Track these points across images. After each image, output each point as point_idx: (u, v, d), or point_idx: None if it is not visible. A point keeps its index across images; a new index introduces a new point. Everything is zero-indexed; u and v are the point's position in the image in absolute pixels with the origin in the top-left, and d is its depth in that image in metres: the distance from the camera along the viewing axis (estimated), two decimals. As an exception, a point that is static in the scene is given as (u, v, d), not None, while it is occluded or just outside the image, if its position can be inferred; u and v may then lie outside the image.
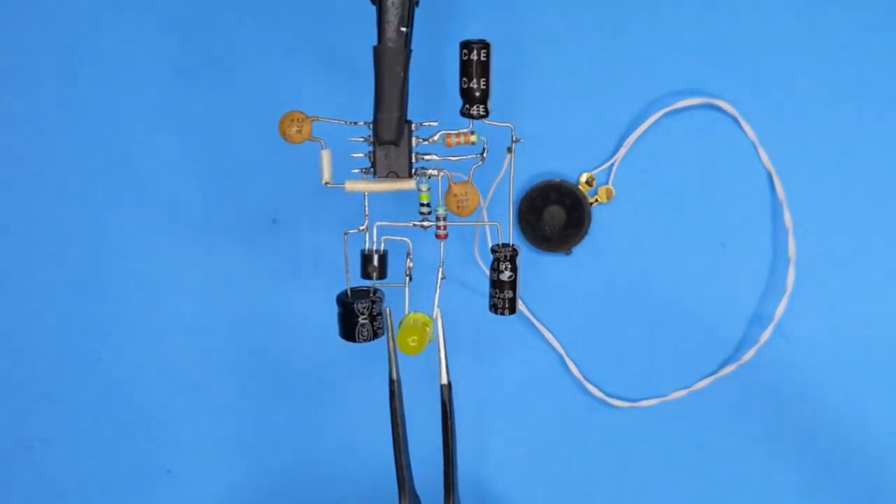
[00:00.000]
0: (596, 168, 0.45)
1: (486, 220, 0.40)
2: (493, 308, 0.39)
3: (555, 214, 0.45)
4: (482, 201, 0.38)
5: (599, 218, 0.45)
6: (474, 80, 0.35)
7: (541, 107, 0.44)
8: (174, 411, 0.47)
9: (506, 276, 0.38)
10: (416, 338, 0.37)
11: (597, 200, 0.45)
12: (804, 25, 0.44)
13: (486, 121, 0.36)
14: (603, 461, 0.46)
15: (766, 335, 0.44)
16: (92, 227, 0.45)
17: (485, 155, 0.37)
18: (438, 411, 0.38)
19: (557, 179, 0.45)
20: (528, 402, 0.46)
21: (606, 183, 0.45)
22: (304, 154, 0.38)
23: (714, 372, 0.45)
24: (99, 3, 0.45)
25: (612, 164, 0.45)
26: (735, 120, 0.44)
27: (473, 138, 0.36)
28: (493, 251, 0.38)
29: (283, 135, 0.36)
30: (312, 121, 0.36)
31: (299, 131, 0.36)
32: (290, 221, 0.40)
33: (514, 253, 0.38)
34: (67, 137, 0.45)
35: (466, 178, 0.37)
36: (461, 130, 0.36)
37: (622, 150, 0.44)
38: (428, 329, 0.38)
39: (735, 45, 0.44)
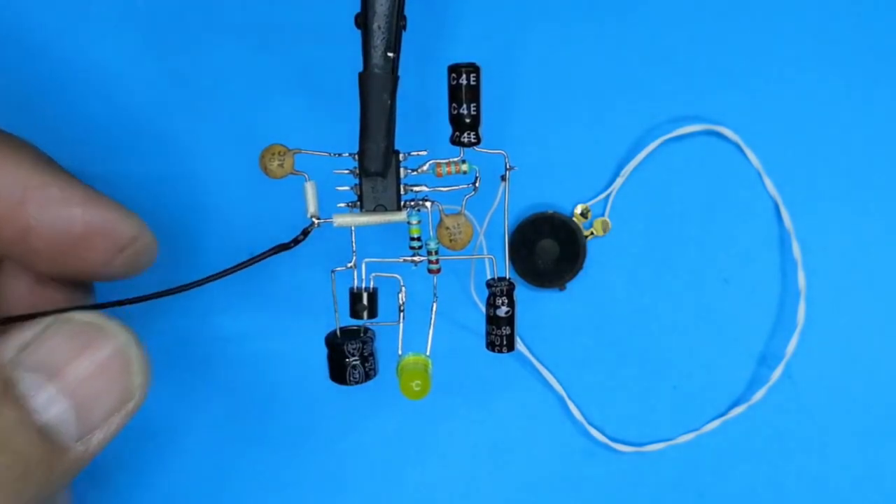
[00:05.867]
0: (591, 199, 0.43)
1: (480, 253, 0.38)
2: (490, 346, 0.37)
3: (548, 248, 0.43)
4: (476, 233, 0.36)
5: (595, 252, 0.43)
6: (464, 106, 0.34)
7: (532, 134, 0.43)
8: (146, 457, 0.44)
9: (502, 311, 0.36)
10: (419, 382, 0.36)
11: (592, 233, 0.43)
12: (810, 47, 0.42)
13: (477, 148, 0.34)
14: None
15: (776, 374, 0.42)
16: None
17: (477, 184, 0.35)
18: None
19: (550, 211, 0.43)
20: (527, 447, 0.44)
21: (602, 215, 0.43)
22: (285, 188, 0.36)
23: (722, 414, 0.43)
24: (70, 26, 0.43)
25: (609, 195, 0.43)
26: (738, 147, 0.42)
27: (465, 167, 0.35)
28: (489, 286, 0.36)
29: (264, 169, 0.35)
30: (294, 153, 0.35)
31: (281, 165, 0.35)
32: (272, 259, 0.39)
33: (511, 287, 0.36)
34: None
35: (459, 210, 0.35)
36: (452, 159, 0.35)
37: (619, 180, 0.43)
38: (429, 371, 0.36)
39: (738, 69, 0.43)
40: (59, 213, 0.30)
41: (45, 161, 0.32)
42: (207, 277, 0.34)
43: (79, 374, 0.28)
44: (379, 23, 0.33)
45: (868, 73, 0.42)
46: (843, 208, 0.43)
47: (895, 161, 0.43)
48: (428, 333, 0.37)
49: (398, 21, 0.33)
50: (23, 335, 0.28)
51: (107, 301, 0.33)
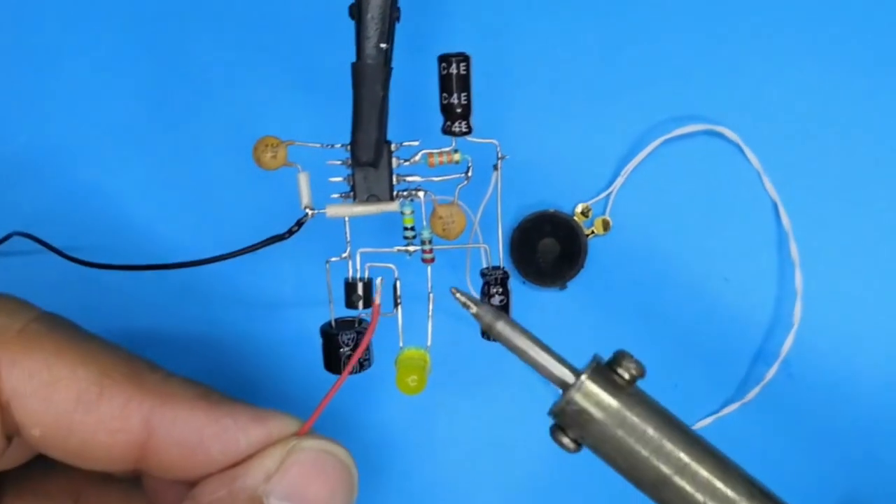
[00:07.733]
0: (592, 198, 0.43)
1: (474, 242, 0.38)
2: (485, 335, 0.37)
3: (549, 247, 0.43)
4: (470, 223, 0.36)
5: (596, 251, 0.43)
6: (455, 96, 0.34)
7: (533, 133, 0.43)
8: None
9: (497, 300, 0.36)
10: (416, 378, 0.36)
11: (593, 232, 0.43)
12: (809, 47, 0.42)
13: (469, 138, 0.35)
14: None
15: (771, 372, 0.42)
16: (60, 260, 0.43)
17: (469, 174, 0.36)
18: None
19: (551, 210, 0.43)
20: (521, 441, 0.44)
21: (603, 214, 0.43)
22: (280, 179, 0.36)
23: (716, 411, 0.43)
24: (65, 24, 0.44)
25: (610, 194, 0.43)
26: (738, 147, 0.42)
27: (457, 157, 0.35)
28: (483, 275, 0.37)
29: (258, 161, 0.35)
30: (287, 145, 0.35)
31: (274, 157, 0.35)
32: (268, 250, 0.39)
33: (505, 276, 0.36)
34: (31, 165, 0.44)
35: (452, 200, 0.35)
36: (444, 149, 0.35)
37: (620, 179, 0.43)
38: (427, 365, 0.36)
39: (738, 69, 0.42)
40: (231, 446, 0.31)
41: (206, 394, 0.32)
42: (201, 260, 0.34)
43: (319, 499, 0.31)
44: (373, 13, 0.33)
45: (868, 74, 0.42)
46: (841, 209, 0.42)
47: (893, 163, 0.42)
48: (425, 325, 0.37)
49: (392, 12, 0.34)
50: (263, 464, 0.30)
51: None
